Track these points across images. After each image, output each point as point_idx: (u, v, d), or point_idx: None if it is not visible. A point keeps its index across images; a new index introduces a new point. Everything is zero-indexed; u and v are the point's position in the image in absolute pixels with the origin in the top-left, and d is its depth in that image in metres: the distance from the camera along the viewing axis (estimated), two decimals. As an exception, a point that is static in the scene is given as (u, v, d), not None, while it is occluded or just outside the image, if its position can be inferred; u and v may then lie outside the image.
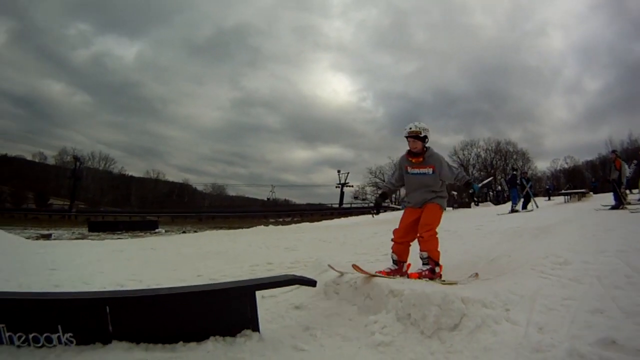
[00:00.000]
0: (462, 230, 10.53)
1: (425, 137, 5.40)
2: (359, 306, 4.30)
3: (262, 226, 25.95)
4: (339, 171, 60.31)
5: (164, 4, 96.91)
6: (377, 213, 5.90)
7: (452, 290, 3.77)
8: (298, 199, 74.41)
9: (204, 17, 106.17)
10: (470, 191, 5.71)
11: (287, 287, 4.59)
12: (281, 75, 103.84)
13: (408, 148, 5.48)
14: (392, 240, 5.59)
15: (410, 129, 5.36)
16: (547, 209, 17.91)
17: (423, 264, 5.26)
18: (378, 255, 7.25)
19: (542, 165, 68.87)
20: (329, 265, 5.57)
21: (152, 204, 68.28)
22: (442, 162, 5.48)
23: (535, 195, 21.44)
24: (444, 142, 75.83)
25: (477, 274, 5.23)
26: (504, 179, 61.85)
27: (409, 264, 5.50)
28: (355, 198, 64.25)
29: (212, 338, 3.70)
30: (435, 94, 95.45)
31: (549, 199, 28.19)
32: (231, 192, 76.12)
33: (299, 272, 5.42)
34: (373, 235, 11.30)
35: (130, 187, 75.77)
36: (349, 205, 57.93)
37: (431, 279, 5.07)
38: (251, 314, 3.88)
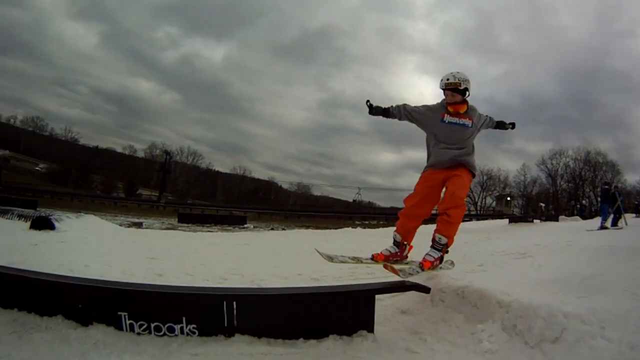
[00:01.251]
0: (553, 245, 10.06)
1: (466, 89, 4.66)
2: (466, 315, 4.23)
3: (350, 228, 25.89)
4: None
5: (249, 7, 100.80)
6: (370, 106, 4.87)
7: (556, 304, 3.77)
8: (382, 202, 74.00)
9: (289, 19, 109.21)
10: (509, 127, 5.28)
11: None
12: (367, 77, 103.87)
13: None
14: (398, 215, 5.01)
15: (448, 80, 4.62)
16: (636, 227, 16.69)
17: (435, 248, 4.65)
18: (472, 265, 7.09)
19: (631, 179, 63.58)
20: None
21: (238, 199, 70.33)
22: (479, 114, 4.87)
23: (625, 210, 19.86)
24: (531, 149, 73.26)
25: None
26: (592, 192, 58.77)
27: (411, 247, 5.00)
28: (441, 204, 63.22)
29: (331, 336, 3.82)
30: (522, 98, 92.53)
31: (638, 216, 26.26)
32: (316, 192, 77.47)
33: (395, 278, 5.26)
34: (463, 244, 10.88)
35: (217, 182, 78.79)
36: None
37: (432, 267, 4.67)
38: (368, 316, 3.98)
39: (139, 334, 3.76)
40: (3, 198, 34.72)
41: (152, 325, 3.76)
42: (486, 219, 39.38)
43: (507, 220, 24.90)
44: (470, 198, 65.06)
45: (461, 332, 3.99)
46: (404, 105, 4.90)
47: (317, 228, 31.25)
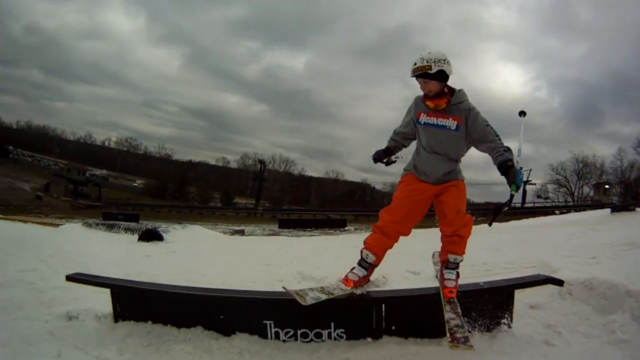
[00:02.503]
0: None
1: (442, 72, 3.58)
2: (594, 306, 4.33)
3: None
4: (520, 168, 55.90)
5: (325, 14, 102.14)
6: (387, 164, 4.43)
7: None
8: (476, 197, 72.14)
9: (365, 22, 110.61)
10: (511, 190, 3.58)
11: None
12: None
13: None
14: (373, 229, 4.01)
15: (415, 64, 3.61)
16: None
17: (450, 268, 3.99)
18: (586, 258, 6.77)
19: None
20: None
21: (332, 202, 70.93)
22: (475, 115, 3.71)
23: None
24: (626, 131, 68.74)
25: None
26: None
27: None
28: (538, 197, 60.47)
29: (475, 332, 3.89)
30: (612, 76, 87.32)
31: None
32: (410, 191, 76.54)
33: (516, 274, 5.45)
34: (570, 237, 10.39)
35: (310, 187, 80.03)
36: (531, 204, 54.14)
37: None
38: (508, 311, 4.05)
39: (284, 341, 3.85)
40: (106, 213, 37.05)
41: (299, 332, 3.85)
42: (584, 209, 37.46)
43: (608, 210, 23.49)
44: (567, 188, 63.08)
45: (592, 324, 4.05)
46: (394, 130, 4.28)
47: (418, 227, 30.85)
